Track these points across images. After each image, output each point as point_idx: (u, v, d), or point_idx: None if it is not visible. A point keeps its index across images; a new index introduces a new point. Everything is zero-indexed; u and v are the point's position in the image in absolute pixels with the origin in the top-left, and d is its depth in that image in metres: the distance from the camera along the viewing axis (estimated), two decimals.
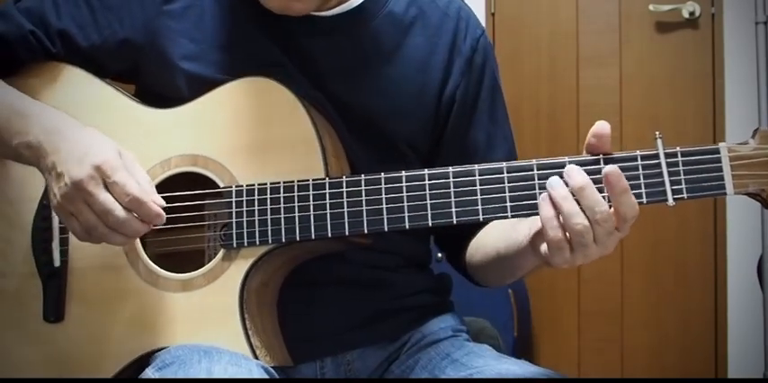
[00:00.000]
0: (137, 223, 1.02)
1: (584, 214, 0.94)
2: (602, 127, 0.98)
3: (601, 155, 0.98)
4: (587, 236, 0.94)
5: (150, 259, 1.11)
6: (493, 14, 2.97)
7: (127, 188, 1.01)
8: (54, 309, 1.13)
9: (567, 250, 0.95)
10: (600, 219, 0.93)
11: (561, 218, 0.94)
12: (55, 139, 1.06)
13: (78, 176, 1.01)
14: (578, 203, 0.94)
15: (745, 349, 2.68)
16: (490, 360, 1.12)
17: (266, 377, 0.99)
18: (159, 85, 1.17)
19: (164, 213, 1.03)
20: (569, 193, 0.95)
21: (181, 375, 0.95)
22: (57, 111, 1.12)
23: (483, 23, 1.28)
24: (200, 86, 1.14)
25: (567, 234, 0.95)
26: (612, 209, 0.94)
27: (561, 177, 0.96)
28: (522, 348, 2.66)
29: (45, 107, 1.13)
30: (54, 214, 1.14)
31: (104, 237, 1.03)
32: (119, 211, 1.00)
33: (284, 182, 1.07)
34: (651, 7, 2.80)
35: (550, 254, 0.97)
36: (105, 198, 1.01)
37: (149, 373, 0.99)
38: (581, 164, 0.98)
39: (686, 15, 2.78)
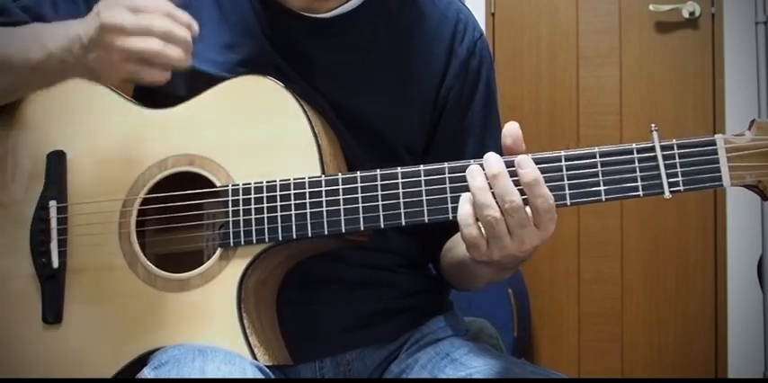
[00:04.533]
0: (180, 29, 0.97)
1: (498, 205, 0.94)
2: (512, 126, 0.99)
3: (597, 148, 0.98)
4: (498, 227, 0.95)
5: (150, 259, 1.11)
6: (493, 14, 2.96)
7: (152, 3, 0.97)
8: (53, 311, 1.13)
9: (483, 246, 0.97)
10: (510, 209, 0.94)
11: (475, 211, 0.95)
12: (70, 32, 1.01)
13: (99, 22, 0.96)
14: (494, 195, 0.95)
15: (745, 349, 2.68)
16: (490, 360, 1.12)
17: (260, 375, 0.99)
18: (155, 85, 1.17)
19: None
20: (486, 184, 0.96)
21: (175, 374, 0.96)
22: (63, 21, 1.08)
23: (483, 23, 1.28)
24: (196, 84, 1.13)
25: (482, 228, 0.95)
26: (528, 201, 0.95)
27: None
28: (521, 348, 2.66)
29: (47, 24, 1.10)
30: (52, 215, 1.14)
31: (168, 57, 0.97)
32: (159, 22, 0.96)
33: (280, 181, 1.07)
34: (651, 7, 2.80)
35: (468, 250, 0.99)
36: (137, 18, 0.96)
37: (146, 372, 1.00)
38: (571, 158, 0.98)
39: (686, 15, 2.78)
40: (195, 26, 0.99)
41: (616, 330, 2.84)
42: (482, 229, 0.96)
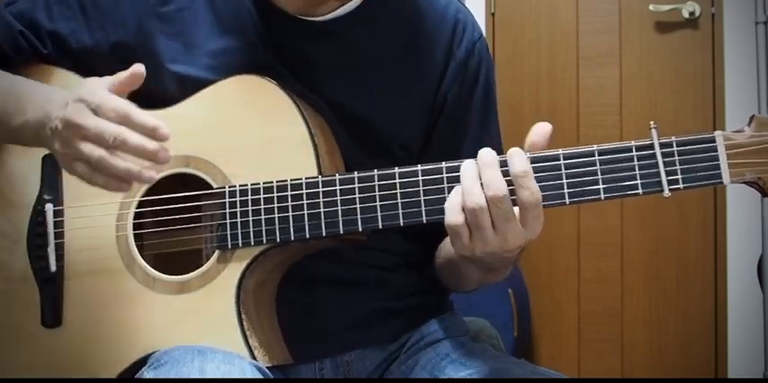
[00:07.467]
0: (136, 137, 0.94)
1: (484, 194, 0.95)
2: (543, 126, 1.00)
3: (596, 146, 0.98)
4: (482, 216, 0.95)
5: (149, 261, 1.11)
6: (493, 14, 2.96)
7: (111, 103, 0.95)
8: (52, 314, 1.13)
9: (465, 235, 0.96)
10: (494, 197, 0.94)
11: (463, 200, 0.96)
12: (46, 108, 1.02)
13: (64, 115, 0.97)
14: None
15: (745, 349, 2.68)
16: (490, 360, 1.12)
17: (259, 375, 0.99)
18: (149, 88, 1.16)
19: (161, 123, 0.95)
20: (476, 175, 0.96)
21: (174, 374, 0.95)
22: (47, 86, 1.10)
23: (483, 23, 1.28)
24: (189, 89, 1.13)
25: (467, 217, 0.96)
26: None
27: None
28: (521, 348, 2.66)
29: (35, 84, 1.11)
30: (48, 219, 1.14)
31: (113, 167, 0.96)
32: (112, 128, 0.94)
33: (277, 182, 1.06)
34: (651, 7, 2.80)
35: (451, 240, 0.99)
36: (95, 122, 0.95)
37: (145, 373, 0.99)
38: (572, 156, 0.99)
39: (686, 15, 2.78)
40: (160, 131, 0.95)
41: (616, 330, 2.84)
42: (467, 218, 0.96)
